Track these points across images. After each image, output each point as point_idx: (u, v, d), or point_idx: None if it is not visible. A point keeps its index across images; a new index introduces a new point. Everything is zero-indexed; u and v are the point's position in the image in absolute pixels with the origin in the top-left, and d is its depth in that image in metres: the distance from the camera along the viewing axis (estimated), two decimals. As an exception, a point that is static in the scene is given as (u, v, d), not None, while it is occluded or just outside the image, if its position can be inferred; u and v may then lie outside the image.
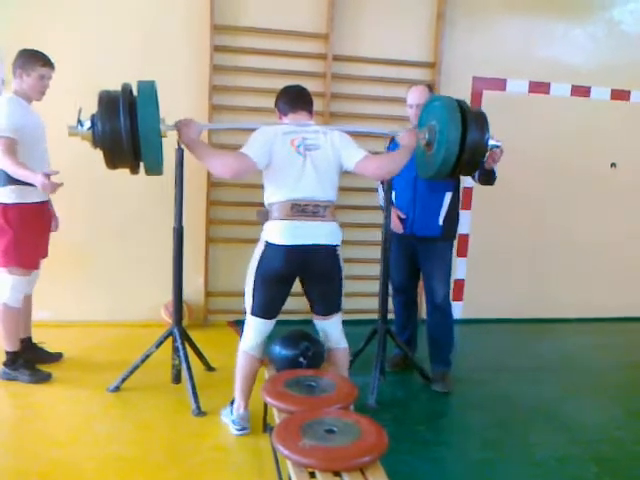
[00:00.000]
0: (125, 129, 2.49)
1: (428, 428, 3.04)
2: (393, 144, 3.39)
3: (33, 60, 3.11)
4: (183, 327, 3.27)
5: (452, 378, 3.52)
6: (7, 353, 3.25)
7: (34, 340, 3.55)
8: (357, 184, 4.18)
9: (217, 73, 4.24)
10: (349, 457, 1.85)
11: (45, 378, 3.26)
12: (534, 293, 5.07)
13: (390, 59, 4.50)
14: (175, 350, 3.21)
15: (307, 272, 2.69)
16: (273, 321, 2.75)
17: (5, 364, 3.26)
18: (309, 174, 2.61)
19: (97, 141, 2.54)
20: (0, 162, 2.98)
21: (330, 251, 2.67)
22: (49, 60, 3.16)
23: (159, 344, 3.25)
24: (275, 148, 2.61)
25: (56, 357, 3.57)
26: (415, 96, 3.39)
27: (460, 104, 2.92)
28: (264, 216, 2.69)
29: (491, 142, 2.98)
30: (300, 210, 2.60)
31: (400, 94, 4.32)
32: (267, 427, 2.66)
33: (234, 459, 2.59)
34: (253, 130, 2.73)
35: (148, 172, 2.71)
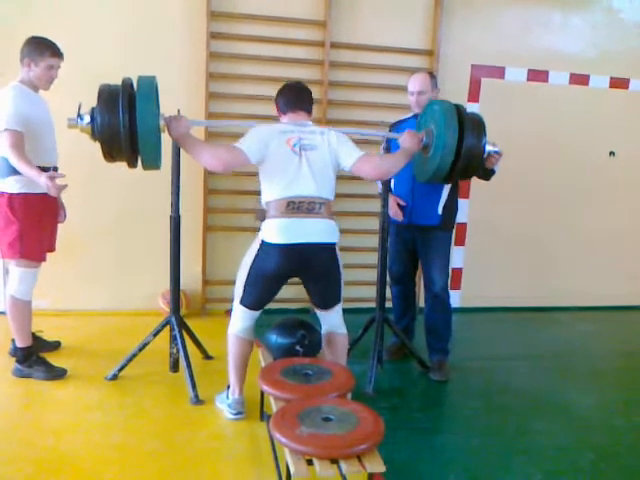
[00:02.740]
0: (123, 124, 2.48)
1: (425, 416, 3.05)
2: (392, 141, 3.37)
3: (42, 49, 2.99)
4: (181, 316, 3.27)
5: (449, 366, 3.52)
6: (20, 349, 3.18)
7: (32, 329, 3.53)
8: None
9: (214, 60, 4.20)
10: (346, 445, 1.85)
11: (61, 374, 3.18)
12: (532, 282, 5.08)
13: (388, 46, 4.46)
14: (173, 339, 3.20)
15: (305, 271, 2.68)
16: (260, 310, 2.77)
17: (18, 361, 3.19)
18: (305, 173, 2.61)
19: (96, 135, 2.54)
20: (6, 155, 2.91)
21: (327, 249, 2.66)
22: (58, 50, 3.05)
23: (157, 333, 3.25)
24: (271, 147, 2.61)
25: (54, 346, 3.57)
26: (416, 83, 3.37)
27: (458, 109, 2.92)
28: (262, 215, 2.69)
29: (489, 148, 3.00)
30: (295, 207, 2.59)
31: (398, 82, 4.32)
32: (264, 415, 2.67)
33: (231, 447, 2.59)
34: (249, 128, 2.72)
35: (145, 167, 2.69)
